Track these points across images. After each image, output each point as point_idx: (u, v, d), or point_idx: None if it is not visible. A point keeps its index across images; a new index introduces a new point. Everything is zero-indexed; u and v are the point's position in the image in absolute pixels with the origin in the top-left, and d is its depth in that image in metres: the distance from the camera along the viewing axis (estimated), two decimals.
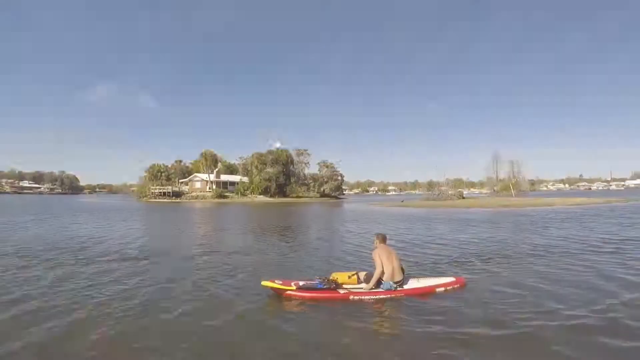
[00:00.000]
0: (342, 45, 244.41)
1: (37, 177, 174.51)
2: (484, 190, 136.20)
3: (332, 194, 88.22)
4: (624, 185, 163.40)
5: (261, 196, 78.19)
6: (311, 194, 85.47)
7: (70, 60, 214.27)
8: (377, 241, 6.92)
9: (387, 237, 7.06)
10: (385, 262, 6.47)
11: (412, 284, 6.79)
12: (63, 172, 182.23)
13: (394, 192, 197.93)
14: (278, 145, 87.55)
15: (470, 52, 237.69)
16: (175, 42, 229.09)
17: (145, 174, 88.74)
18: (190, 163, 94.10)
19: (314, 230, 18.30)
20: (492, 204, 40.82)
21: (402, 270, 6.78)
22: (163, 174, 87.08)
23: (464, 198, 57.07)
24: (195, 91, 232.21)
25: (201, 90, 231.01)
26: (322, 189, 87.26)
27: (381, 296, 6.33)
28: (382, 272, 6.45)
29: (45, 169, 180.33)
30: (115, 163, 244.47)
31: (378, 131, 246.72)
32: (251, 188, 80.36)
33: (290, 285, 6.48)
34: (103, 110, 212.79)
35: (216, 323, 5.20)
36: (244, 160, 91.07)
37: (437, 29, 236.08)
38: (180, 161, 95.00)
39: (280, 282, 6.57)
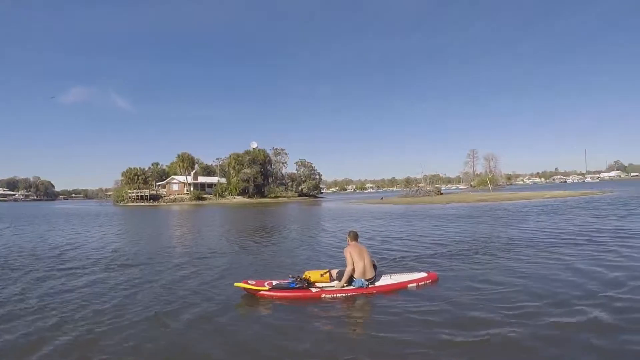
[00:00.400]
0: (316, 44, 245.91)
1: (12, 184, 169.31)
2: (461, 186, 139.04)
3: (311, 193, 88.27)
4: (598, 177, 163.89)
5: (239, 197, 77.77)
6: (289, 193, 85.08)
7: (43, 63, 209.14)
8: (349, 239, 6.96)
9: (359, 234, 7.08)
10: (356, 259, 6.50)
11: (385, 280, 6.80)
12: (38, 178, 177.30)
13: (371, 190, 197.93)
14: (255, 145, 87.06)
15: (445, 48, 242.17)
16: (150, 43, 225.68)
17: (122, 178, 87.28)
18: (167, 166, 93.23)
19: (291, 230, 18.22)
20: (469, 199, 40.94)
21: (374, 267, 6.81)
22: (140, 178, 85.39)
23: (441, 194, 57.44)
24: (171, 93, 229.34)
25: (176, 92, 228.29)
26: (300, 188, 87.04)
27: (353, 293, 6.35)
28: (353, 270, 6.47)
29: (19, 174, 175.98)
30: (90, 168, 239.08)
31: (354, 129, 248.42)
32: (229, 189, 79.80)
33: (264, 286, 6.46)
34: (77, 113, 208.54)
35: (186, 325, 5.17)
36: (221, 162, 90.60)
37: (411, 24, 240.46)
38: (157, 164, 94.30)
39: (254, 283, 6.56)
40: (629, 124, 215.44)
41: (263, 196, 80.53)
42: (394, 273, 7.26)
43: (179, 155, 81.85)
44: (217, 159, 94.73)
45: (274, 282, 6.61)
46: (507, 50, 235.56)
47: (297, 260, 9.75)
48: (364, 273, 6.51)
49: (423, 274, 7.01)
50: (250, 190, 79.36)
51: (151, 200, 75.26)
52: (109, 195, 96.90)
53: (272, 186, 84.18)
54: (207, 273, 8.52)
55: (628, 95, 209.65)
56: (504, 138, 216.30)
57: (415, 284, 6.70)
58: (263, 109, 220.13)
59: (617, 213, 18.45)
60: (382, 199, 56.66)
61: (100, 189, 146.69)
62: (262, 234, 16.55)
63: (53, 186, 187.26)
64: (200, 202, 73.21)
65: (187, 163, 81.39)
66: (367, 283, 6.49)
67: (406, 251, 10.45)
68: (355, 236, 6.96)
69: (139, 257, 11.01)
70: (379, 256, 9.61)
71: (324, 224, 20.84)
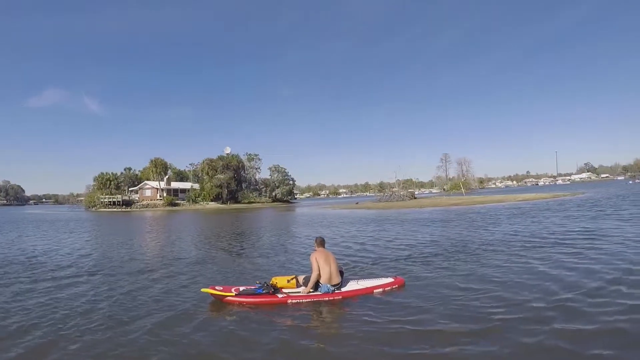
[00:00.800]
0: (295, 50, 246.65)
1: None
2: (434, 190, 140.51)
3: (284, 199, 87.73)
4: (569, 179, 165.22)
5: (213, 203, 77.21)
6: (263, 199, 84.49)
7: (13, 66, 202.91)
8: (316, 245, 7.02)
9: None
10: (322, 265, 6.53)
11: (351, 286, 6.84)
12: (8, 182, 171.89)
13: (345, 195, 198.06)
14: (229, 150, 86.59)
15: (415, 53, 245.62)
16: (122, 47, 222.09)
17: (94, 183, 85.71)
18: (140, 171, 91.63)
19: (264, 236, 18.10)
20: (443, 203, 40.92)
21: (341, 273, 6.88)
22: (112, 183, 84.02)
23: (415, 198, 57.49)
24: (143, 98, 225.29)
25: (149, 97, 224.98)
26: (273, 194, 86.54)
27: (319, 299, 6.38)
28: (319, 275, 6.52)
29: None
30: (61, 172, 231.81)
31: (328, 134, 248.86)
32: (202, 195, 79.10)
33: (230, 291, 6.48)
34: (48, 117, 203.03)
35: (149, 331, 5.17)
36: (195, 167, 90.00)
37: (384, 30, 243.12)
38: (130, 169, 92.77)
39: (221, 288, 6.57)
40: (598, 126, 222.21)
41: (237, 202, 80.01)
42: (361, 279, 7.35)
43: (152, 161, 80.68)
44: (190, 164, 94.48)
45: (241, 288, 6.67)
46: (477, 55, 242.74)
47: (267, 267, 9.80)
48: (330, 279, 6.57)
49: (390, 280, 7.06)
50: (224, 196, 78.78)
51: (124, 206, 73.91)
52: (81, 200, 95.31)
53: (245, 192, 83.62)
54: (176, 279, 8.53)
55: (596, 98, 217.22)
56: (475, 142, 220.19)
57: (381, 289, 6.73)
58: (237, 114, 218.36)
59: (587, 215, 18.66)
60: (357, 203, 57.02)
61: (72, 194, 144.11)
62: (235, 241, 16.48)
63: (23, 191, 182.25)
64: (174, 207, 72.30)
65: (160, 168, 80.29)
66: (333, 289, 6.55)
67: (379, 256, 10.46)
68: (321, 242, 7.04)
69: (109, 263, 10.94)
70: (352, 261, 9.83)
71: (298, 229, 20.83)
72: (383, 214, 31.13)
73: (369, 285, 6.84)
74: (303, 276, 6.86)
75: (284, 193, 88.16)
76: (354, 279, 7.24)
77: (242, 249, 13.52)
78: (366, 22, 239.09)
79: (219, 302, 6.43)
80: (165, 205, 74.46)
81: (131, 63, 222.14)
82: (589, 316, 4.98)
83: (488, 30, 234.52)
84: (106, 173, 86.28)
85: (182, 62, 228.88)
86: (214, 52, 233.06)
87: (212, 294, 6.52)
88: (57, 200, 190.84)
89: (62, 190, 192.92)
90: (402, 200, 52.17)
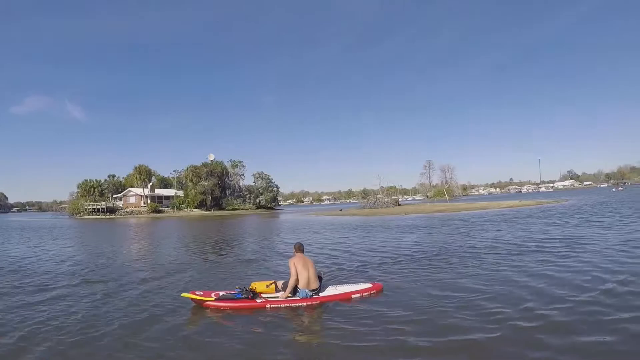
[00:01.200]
0: (277, 58, 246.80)
1: None
2: (417, 197, 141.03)
3: (268, 205, 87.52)
4: (552, 187, 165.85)
5: (197, 210, 76.95)
6: (247, 206, 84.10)
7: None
8: (295, 250, 7.04)
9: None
10: (300, 270, 6.55)
11: (330, 291, 6.85)
12: None
13: (328, 202, 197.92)
14: (213, 157, 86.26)
15: (401, 61, 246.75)
16: (105, 54, 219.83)
17: (78, 190, 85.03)
18: (124, 178, 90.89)
19: (247, 242, 18.03)
20: (428, 210, 40.59)
21: (320, 278, 6.92)
22: (96, 190, 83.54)
23: (399, 205, 57.51)
24: (127, 105, 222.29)
25: (132, 104, 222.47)
26: (257, 201, 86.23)
27: (297, 304, 6.39)
28: (297, 280, 6.54)
29: None
30: (44, 179, 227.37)
31: (310, 141, 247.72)
32: (187, 202, 78.77)
33: (210, 296, 6.48)
34: (31, 123, 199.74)
35: (124, 336, 5.15)
36: (179, 174, 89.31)
37: (370, 36, 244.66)
38: (114, 176, 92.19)
39: (201, 293, 6.57)
40: (581, 134, 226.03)
41: (221, 209, 79.78)
42: (340, 284, 7.37)
43: (136, 167, 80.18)
44: (174, 171, 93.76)
45: (221, 293, 6.67)
46: (461, 63, 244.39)
47: (249, 272, 9.83)
48: (308, 284, 6.59)
49: (368, 285, 7.09)
50: (208, 202, 78.56)
51: (108, 213, 73.61)
52: (64, 207, 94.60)
53: (230, 198, 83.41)
54: (158, 284, 8.52)
55: (579, 106, 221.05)
56: (458, 149, 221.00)
57: (359, 295, 6.74)
58: (220, 120, 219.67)
59: (570, 221, 18.74)
60: (341, 210, 56.98)
61: (55, 202, 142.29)
62: (218, 247, 16.41)
63: (6, 198, 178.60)
64: (158, 214, 72.04)
65: (144, 175, 79.99)
66: (311, 294, 6.56)
67: (362, 263, 10.48)
68: (300, 248, 7.06)
69: (91, 269, 10.87)
70: (336, 267, 9.90)
71: (282, 236, 20.78)
72: (367, 220, 30.99)
73: (347, 291, 6.85)
74: (282, 281, 6.89)
75: (268, 200, 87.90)
76: (333, 285, 7.28)
77: (225, 255, 13.51)
78: (352, 29, 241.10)
79: (199, 307, 6.44)
80: (149, 212, 74.17)
81: (114, 70, 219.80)
82: (570, 327, 4.86)
83: (471, 38, 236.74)
84: (90, 180, 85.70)
85: (166, 69, 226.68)
86: (201, 57, 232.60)
87: (192, 299, 6.53)
88: (40, 207, 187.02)
89: (45, 198, 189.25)
90: (387, 207, 52.16)
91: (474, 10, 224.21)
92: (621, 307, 5.49)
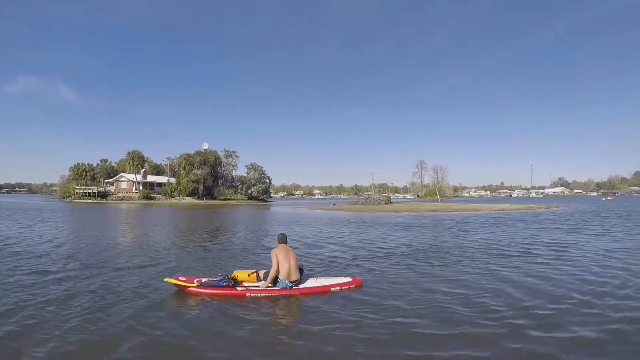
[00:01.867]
0: (272, 51, 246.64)
1: None
2: (408, 196, 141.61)
3: (260, 197, 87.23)
4: (543, 193, 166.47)
5: (189, 198, 76.56)
6: (239, 196, 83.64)
7: None
8: (278, 241, 7.13)
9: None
10: (281, 261, 6.64)
11: (310, 283, 6.94)
12: None
13: (319, 196, 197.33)
14: (207, 146, 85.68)
15: (397, 60, 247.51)
16: (98, 36, 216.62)
17: (69, 174, 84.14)
18: (116, 163, 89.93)
19: (237, 232, 18.04)
20: (420, 209, 40.89)
21: (301, 270, 7.03)
22: (88, 174, 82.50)
23: (391, 202, 57.87)
24: (120, 88, 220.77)
25: (126, 88, 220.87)
26: (249, 192, 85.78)
27: (276, 294, 6.50)
28: (278, 271, 6.62)
29: None
30: (34, 161, 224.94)
31: (303, 135, 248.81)
32: (179, 189, 78.28)
33: (193, 282, 6.57)
34: (22, 103, 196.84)
35: (103, 320, 5.21)
36: (172, 161, 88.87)
37: (366, 36, 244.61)
38: (106, 160, 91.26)
39: (184, 279, 6.66)
40: (573, 142, 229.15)
41: (213, 198, 79.48)
42: (321, 277, 7.47)
43: (129, 153, 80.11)
44: (167, 158, 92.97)
45: (203, 280, 6.77)
46: (455, 65, 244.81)
47: (234, 260, 9.94)
48: (288, 275, 6.68)
49: (347, 279, 7.17)
50: (200, 191, 78.18)
51: (99, 198, 72.69)
52: (54, 190, 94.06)
53: (222, 188, 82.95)
54: (142, 269, 8.60)
55: (572, 114, 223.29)
56: (450, 150, 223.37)
57: (338, 288, 6.84)
58: (216, 110, 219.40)
59: (560, 227, 19.00)
60: (334, 204, 57.36)
61: (45, 184, 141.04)
62: (207, 235, 16.45)
63: None
64: (150, 201, 71.55)
65: (137, 161, 79.99)
66: (291, 285, 6.66)
67: (354, 256, 10.68)
68: (283, 239, 7.15)
69: (79, 253, 10.86)
70: (319, 260, 10.03)
71: (273, 228, 20.83)
72: (359, 216, 31.22)
73: (326, 284, 6.94)
74: (264, 271, 6.98)
75: (260, 191, 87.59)
76: (314, 277, 7.37)
77: (214, 244, 13.58)
78: (346, 27, 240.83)
79: (181, 292, 6.54)
80: (140, 199, 73.64)
81: (109, 53, 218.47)
82: (556, 326, 5.01)
83: (466, 40, 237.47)
84: (82, 164, 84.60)
85: (162, 56, 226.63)
86: (197, 47, 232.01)
87: (175, 284, 6.62)
88: (30, 189, 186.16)
89: (35, 180, 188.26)
90: (378, 204, 52.42)
91: (469, 13, 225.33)
92: (602, 305, 5.89)
